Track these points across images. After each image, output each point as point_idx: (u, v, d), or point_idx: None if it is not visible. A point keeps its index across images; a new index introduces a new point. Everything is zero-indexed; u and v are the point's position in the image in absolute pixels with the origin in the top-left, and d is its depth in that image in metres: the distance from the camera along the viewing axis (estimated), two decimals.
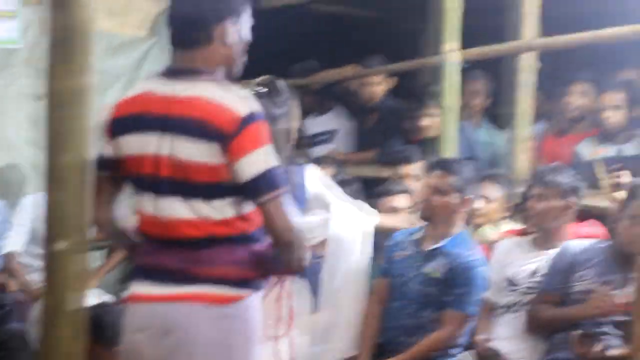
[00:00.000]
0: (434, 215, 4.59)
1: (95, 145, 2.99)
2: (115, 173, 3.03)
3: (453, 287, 4.50)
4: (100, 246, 6.42)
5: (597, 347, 4.05)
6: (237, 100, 2.87)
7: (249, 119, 2.85)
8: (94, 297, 4.87)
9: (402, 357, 4.49)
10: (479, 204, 4.96)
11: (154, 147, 2.92)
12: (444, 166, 4.64)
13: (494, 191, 5.02)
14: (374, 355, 4.61)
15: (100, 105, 3.05)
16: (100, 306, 4.00)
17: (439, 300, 4.53)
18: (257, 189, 2.87)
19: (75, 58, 2.55)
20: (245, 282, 2.96)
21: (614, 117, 5.63)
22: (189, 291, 2.92)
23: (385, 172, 6.08)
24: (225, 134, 2.83)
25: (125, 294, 3.09)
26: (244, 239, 2.97)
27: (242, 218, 2.95)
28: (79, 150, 2.73)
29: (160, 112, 2.92)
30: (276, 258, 2.97)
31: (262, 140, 2.87)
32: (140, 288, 3.01)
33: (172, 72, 2.99)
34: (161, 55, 6.94)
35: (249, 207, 2.96)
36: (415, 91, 7.24)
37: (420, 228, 4.73)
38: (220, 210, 2.91)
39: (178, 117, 2.89)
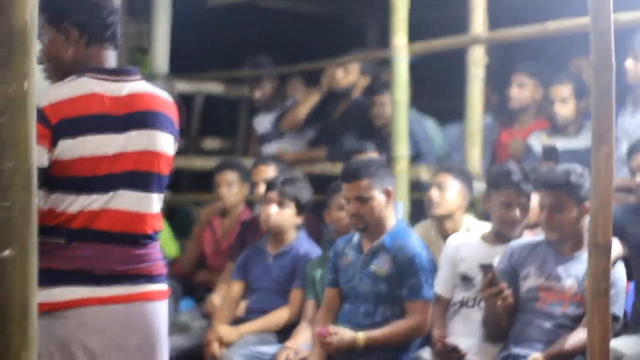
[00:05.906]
0: (366, 223, 4.58)
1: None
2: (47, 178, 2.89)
3: (403, 279, 4.52)
4: None
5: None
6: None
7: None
8: None
9: (374, 333, 4.46)
10: (434, 194, 4.97)
11: (120, 144, 2.91)
12: (352, 175, 4.59)
13: (448, 181, 4.97)
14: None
15: None
16: None
17: (391, 295, 4.55)
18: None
19: (15, 61, 2.49)
20: (165, 277, 3.06)
21: (563, 109, 5.66)
22: (145, 289, 2.96)
23: (338, 169, 6.05)
24: (178, 129, 3.06)
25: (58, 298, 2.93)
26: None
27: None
28: (23, 157, 2.68)
29: (119, 111, 2.91)
30: None
31: None
32: (86, 291, 2.93)
33: (109, 72, 2.98)
34: None
35: None
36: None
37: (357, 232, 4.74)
38: (158, 204, 3.01)
39: (148, 112, 2.96)
